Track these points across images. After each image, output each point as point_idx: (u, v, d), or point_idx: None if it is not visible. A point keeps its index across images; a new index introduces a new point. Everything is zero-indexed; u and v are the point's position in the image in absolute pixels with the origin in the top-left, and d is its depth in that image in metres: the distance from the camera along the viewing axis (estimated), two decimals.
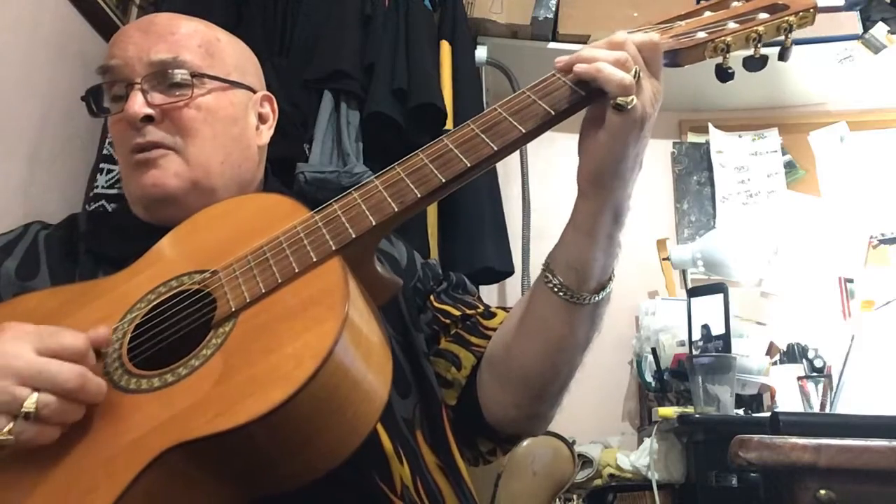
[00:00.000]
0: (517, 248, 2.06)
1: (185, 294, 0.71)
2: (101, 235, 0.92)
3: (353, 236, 0.68)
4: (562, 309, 0.77)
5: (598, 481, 1.95)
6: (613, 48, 0.71)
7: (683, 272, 2.24)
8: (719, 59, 0.77)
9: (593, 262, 0.76)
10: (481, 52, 2.08)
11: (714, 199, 2.42)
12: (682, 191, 2.46)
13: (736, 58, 0.77)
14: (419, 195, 0.69)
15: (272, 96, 1.01)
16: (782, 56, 0.77)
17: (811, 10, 0.76)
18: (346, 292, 0.63)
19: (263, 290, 0.67)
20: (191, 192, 0.87)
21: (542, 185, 2.24)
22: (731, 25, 0.77)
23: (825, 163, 2.38)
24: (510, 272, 1.78)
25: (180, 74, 0.88)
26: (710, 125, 2.47)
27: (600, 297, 0.78)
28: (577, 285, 0.76)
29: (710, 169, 2.45)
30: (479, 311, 0.94)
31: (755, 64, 0.78)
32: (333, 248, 0.68)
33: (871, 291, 2.10)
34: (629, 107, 0.68)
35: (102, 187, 1.61)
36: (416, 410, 0.85)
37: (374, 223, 0.69)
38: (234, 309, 0.67)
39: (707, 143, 2.48)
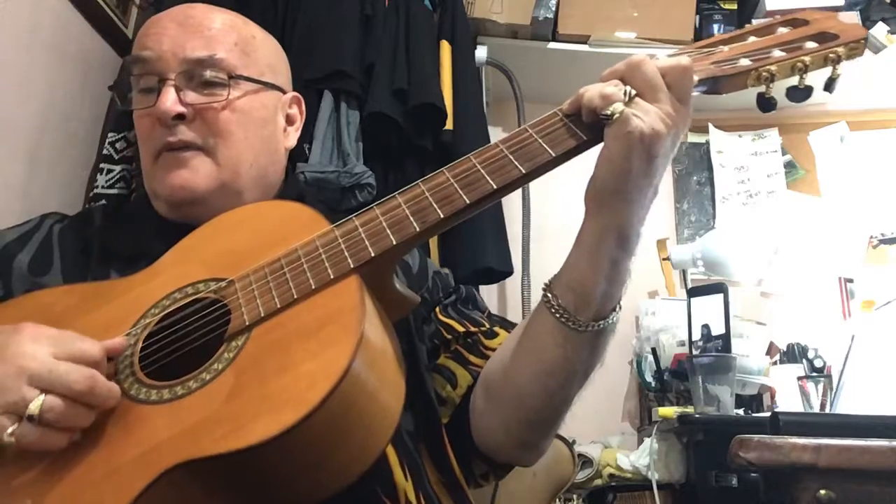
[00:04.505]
0: (517, 249, 2.06)
1: (199, 303, 0.70)
2: (115, 231, 0.90)
3: (373, 255, 0.66)
4: (557, 331, 0.73)
5: (598, 481, 1.95)
6: (630, 68, 0.69)
7: (683, 272, 2.24)
8: (762, 88, 0.73)
9: (594, 287, 0.71)
10: (481, 52, 2.07)
11: (714, 199, 2.42)
12: (682, 191, 2.46)
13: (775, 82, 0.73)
14: (442, 216, 0.67)
15: (301, 97, 0.99)
16: (828, 87, 0.73)
17: (861, 42, 0.72)
18: (362, 313, 0.61)
19: (279, 306, 0.65)
20: (218, 194, 0.86)
21: (542, 185, 2.21)
22: (777, 54, 0.73)
23: (825, 163, 2.38)
24: (509, 272, 1.78)
25: (215, 74, 0.86)
26: (710, 125, 2.47)
27: (601, 326, 0.73)
28: (575, 308, 0.72)
29: (710, 169, 2.46)
30: (482, 329, 0.91)
31: (800, 94, 0.74)
32: (352, 266, 0.66)
33: (871, 291, 2.10)
34: (614, 116, 0.66)
35: (102, 187, 1.61)
36: (416, 423, 0.83)
37: (394, 242, 0.67)
38: (248, 323, 0.65)
39: (707, 143, 2.48)
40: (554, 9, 2.16)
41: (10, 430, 0.58)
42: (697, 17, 2.24)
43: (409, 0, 1.79)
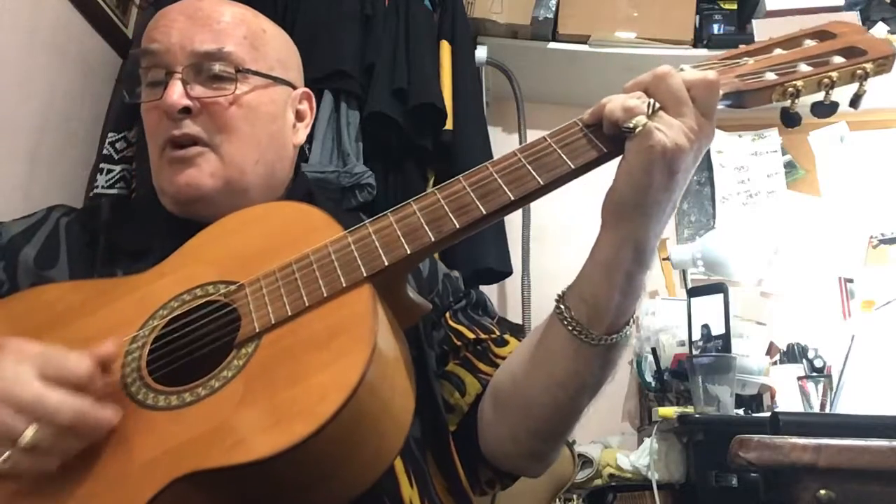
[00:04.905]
0: (517, 249, 2.05)
1: (208, 306, 0.69)
2: (122, 226, 0.89)
3: (386, 264, 0.65)
4: (569, 344, 0.72)
5: (598, 481, 1.95)
6: (656, 80, 0.67)
7: (683, 272, 2.24)
8: (787, 103, 0.71)
9: (608, 300, 0.70)
10: (481, 52, 2.07)
11: (714, 199, 2.42)
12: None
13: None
14: (458, 226, 0.66)
15: (311, 93, 0.97)
16: (854, 104, 0.71)
17: (890, 58, 0.70)
18: (374, 324, 0.60)
19: (290, 313, 0.64)
20: (224, 192, 0.85)
21: None
22: (804, 68, 0.70)
23: (825, 163, 2.38)
24: (509, 272, 1.78)
25: (223, 67, 0.85)
26: None
27: (613, 340, 0.72)
28: (588, 321, 0.71)
29: (710, 169, 2.45)
30: (493, 336, 0.90)
31: (825, 110, 0.71)
32: (364, 274, 0.64)
33: (871, 291, 2.10)
34: (636, 129, 0.65)
35: (102, 187, 1.61)
36: (424, 430, 0.82)
37: (408, 252, 0.65)
38: (258, 329, 0.64)
39: None
40: (554, 9, 2.16)
41: (3, 457, 0.57)
42: (697, 17, 2.24)
43: (409, 0, 1.80)
